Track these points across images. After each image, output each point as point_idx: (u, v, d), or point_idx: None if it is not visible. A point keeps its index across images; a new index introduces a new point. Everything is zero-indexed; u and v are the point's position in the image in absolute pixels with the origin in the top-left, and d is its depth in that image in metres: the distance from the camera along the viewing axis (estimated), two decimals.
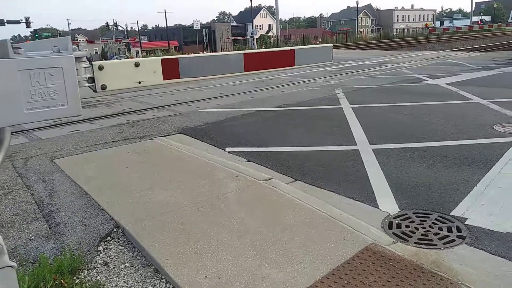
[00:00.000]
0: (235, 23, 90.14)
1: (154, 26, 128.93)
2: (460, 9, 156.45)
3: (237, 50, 35.83)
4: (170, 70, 1.99)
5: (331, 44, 2.84)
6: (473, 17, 79.34)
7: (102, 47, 67.29)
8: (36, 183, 4.40)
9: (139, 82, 1.89)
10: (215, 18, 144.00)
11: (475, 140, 5.16)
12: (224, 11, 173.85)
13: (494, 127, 5.71)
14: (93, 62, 1.68)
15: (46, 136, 6.59)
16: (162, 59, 1.99)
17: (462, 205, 3.41)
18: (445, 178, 4.01)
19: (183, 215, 3.36)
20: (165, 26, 69.87)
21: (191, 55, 2.36)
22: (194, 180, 4.18)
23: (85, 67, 1.62)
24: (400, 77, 12.16)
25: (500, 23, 51.25)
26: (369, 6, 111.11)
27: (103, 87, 1.71)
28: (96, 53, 62.32)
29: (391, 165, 4.48)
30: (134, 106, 9.26)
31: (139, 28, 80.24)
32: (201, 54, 2.38)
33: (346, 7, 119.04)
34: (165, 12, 74.42)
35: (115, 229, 3.25)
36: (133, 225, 3.21)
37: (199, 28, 46.58)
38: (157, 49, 56.64)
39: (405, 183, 3.97)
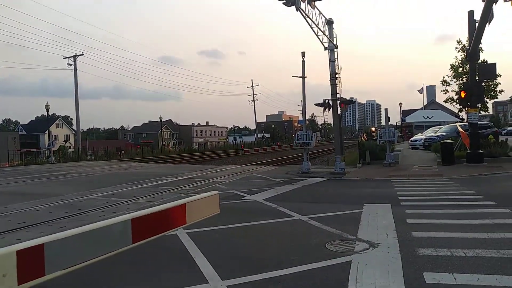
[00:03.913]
0: (24, 133, 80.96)
1: None
2: (246, 127, 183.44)
3: (39, 163, 30.99)
4: (31, 265, 1.22)
5: (217, 192, 2.53)
6: (258, 134, 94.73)
7: None
8: None
9: None
10: None
11: (318, 264, 5.35)
12: (9, 119, 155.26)
13: (326, 246, 6.14)
14: None
15: None
16: (18, 251, 1.19)
17: None
18: None
19: None
20: None
21: (63, 233, 1.58)
22: None
23: None
24: (220, 194, 12.49)
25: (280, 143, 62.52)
26: (169, 121, 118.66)
27: None
28: None
29: None
30: None
31: None
32: (75, 230, 1.63)
33: (147, 121, 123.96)
34: None
35: None
36: None
37: None
38: None
39: None
